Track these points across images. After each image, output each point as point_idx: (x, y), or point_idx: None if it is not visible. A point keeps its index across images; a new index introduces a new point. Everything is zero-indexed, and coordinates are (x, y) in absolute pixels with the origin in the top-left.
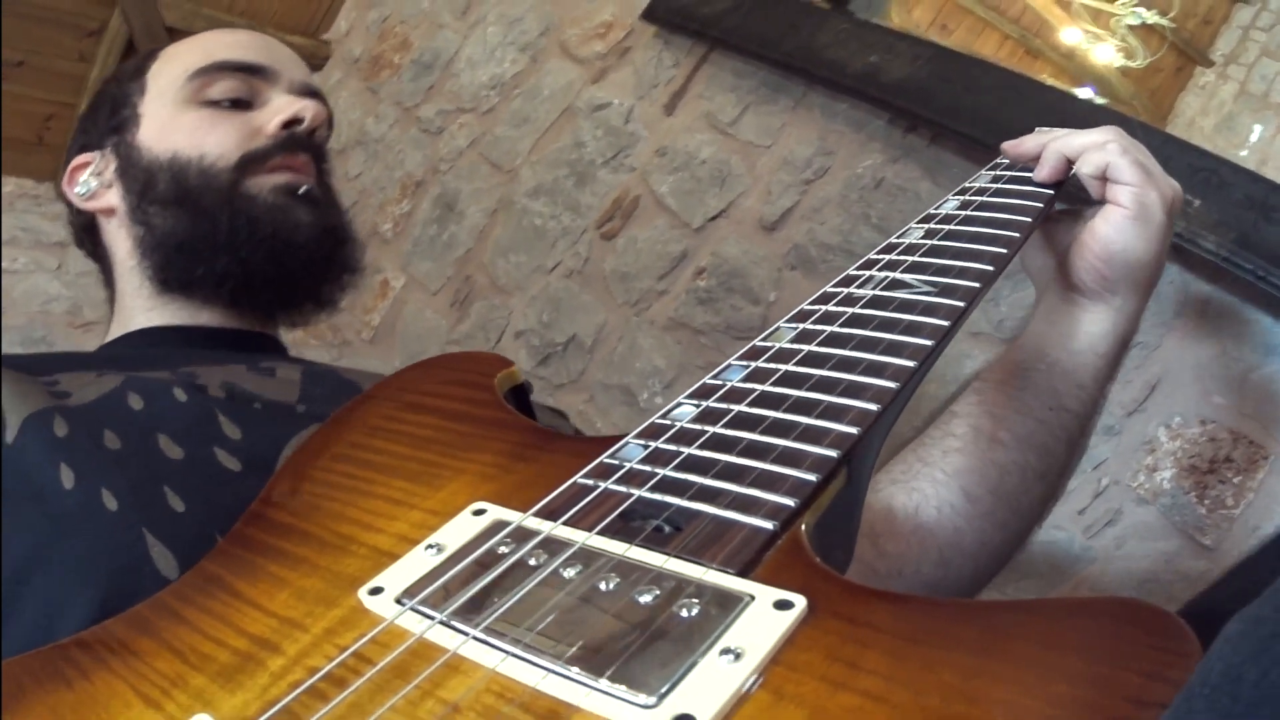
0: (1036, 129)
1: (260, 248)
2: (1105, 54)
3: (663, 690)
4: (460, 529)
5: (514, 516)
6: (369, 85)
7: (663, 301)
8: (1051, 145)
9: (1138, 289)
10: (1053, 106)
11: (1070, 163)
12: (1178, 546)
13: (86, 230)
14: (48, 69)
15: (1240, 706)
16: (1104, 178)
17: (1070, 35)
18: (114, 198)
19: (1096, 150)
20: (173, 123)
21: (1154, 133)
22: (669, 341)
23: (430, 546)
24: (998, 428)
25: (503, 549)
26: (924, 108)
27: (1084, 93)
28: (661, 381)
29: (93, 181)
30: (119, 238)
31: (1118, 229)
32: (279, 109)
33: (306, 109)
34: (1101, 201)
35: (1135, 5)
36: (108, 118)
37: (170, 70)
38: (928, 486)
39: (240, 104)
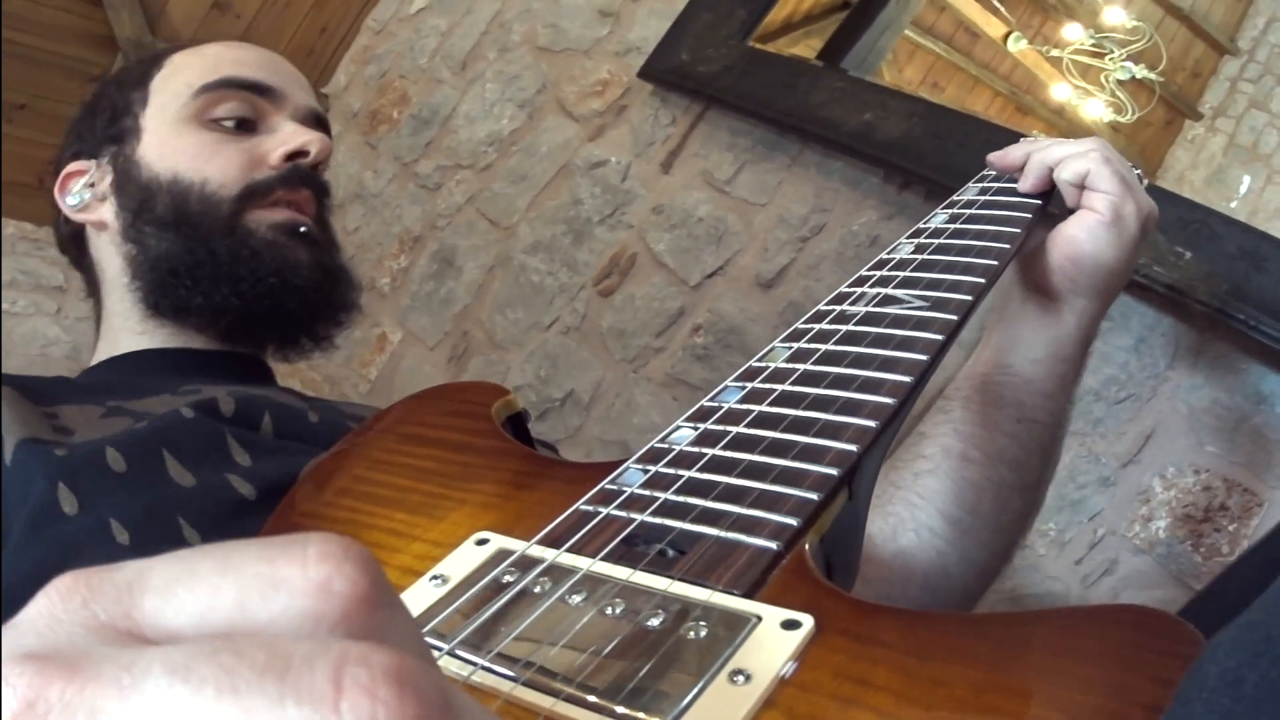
0: (1022, 139)
1: (261, 284)
2: (1095, 109)
3: (674, 713)
4: (464, 559)
5: (517, 545)
6: (367, 140)
7: (660, 358)
8: (1035, 156)
9: (1101, 294)
10: None
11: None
12: (1174, 595)
13: (73, 239)
14: (50, 113)
15: (1242, 707)
16: (1082, 185)
17: (1060, 91)
18: (107, 212)
19: (1078, 158)
20: (175, 141)
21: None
22: (666, 398)
23: (435, 578)
24: (967, 445)
25: (507, 578)
26: (918, 164)
27: None
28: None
29: (86, 193)
30: (109, 254)
31: (1090, 232)
32: (284, 139)
33: (312, 142)
34: (1074, 209)
35: (1124, 60)
36: (106, 125)
37: (175, 83)
38: (903, 510)
39: (245, 125)
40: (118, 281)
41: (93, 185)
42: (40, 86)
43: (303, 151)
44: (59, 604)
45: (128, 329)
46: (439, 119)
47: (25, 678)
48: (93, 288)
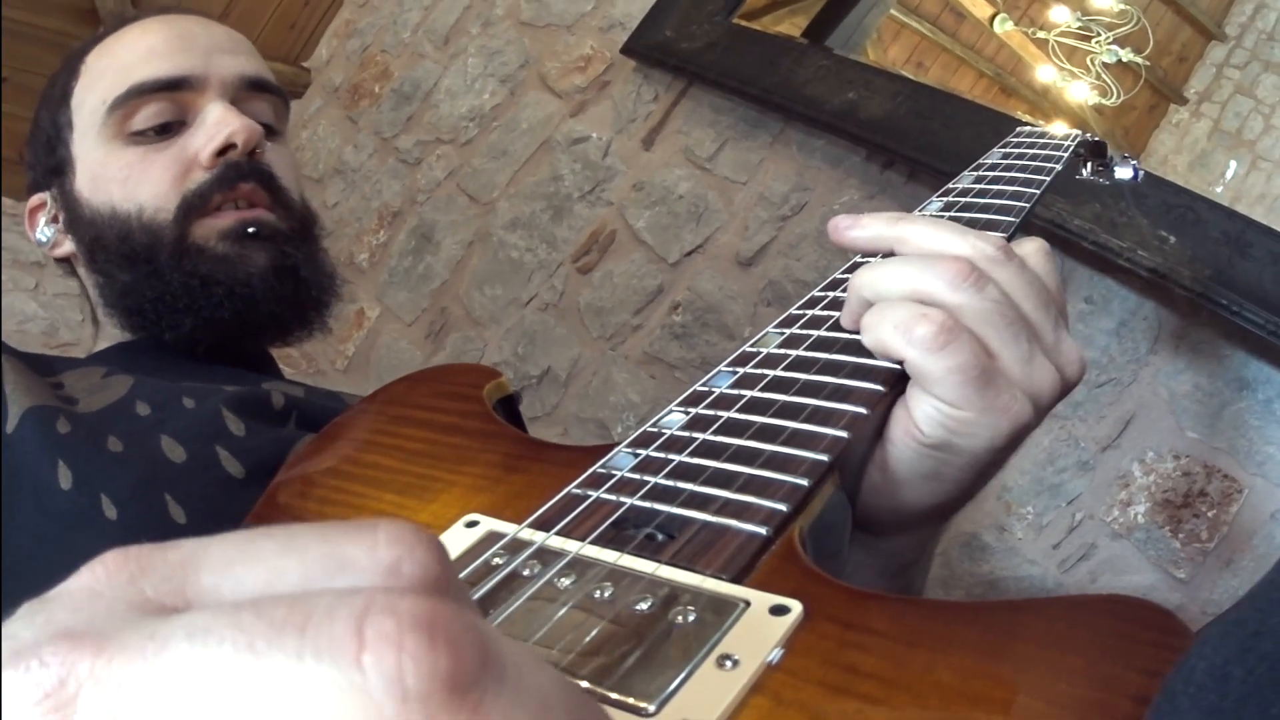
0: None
1: (222, 309)
2: (1080, 92)
3: (662, 698)
4: (453, 541)
5: (507, 528)
6: (348, 114)
7: (638, 336)
8: (857, 281)
9: (923, 522)
10: None
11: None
12: (1152, 580)
13: (61, 260)
14: (31, 87)
15: (1228, 703)
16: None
17: (1045, 73)
18: (71, 245)
19: (895, 326)
20: (103, 169)
21: None
22: (643, 376)
23: None
24: None
25: (496, 560)
26: (901, 144)
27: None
28: (636, 415)
29: (49, 229)
30: (87, 279)
31: (898, 453)
32: (207, 135)
33: (236, 132)
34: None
35: (1111, 43)
36: (46, 156)
37: (90, 99)
38: None
39: (170, 127)
40: (99, 305)
41: (54, 220)
42: (21, 60)
43: (230, 144)
44: (103, 578)
45: (122, 336)
46: (420, 94)
47: (58, 655)
48: (87, 296)
